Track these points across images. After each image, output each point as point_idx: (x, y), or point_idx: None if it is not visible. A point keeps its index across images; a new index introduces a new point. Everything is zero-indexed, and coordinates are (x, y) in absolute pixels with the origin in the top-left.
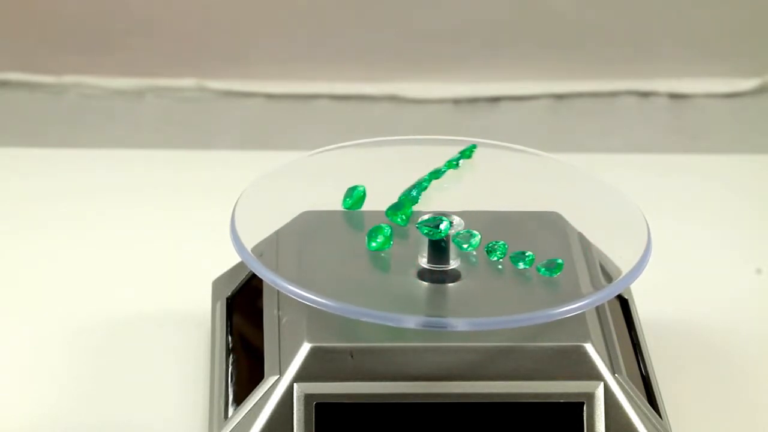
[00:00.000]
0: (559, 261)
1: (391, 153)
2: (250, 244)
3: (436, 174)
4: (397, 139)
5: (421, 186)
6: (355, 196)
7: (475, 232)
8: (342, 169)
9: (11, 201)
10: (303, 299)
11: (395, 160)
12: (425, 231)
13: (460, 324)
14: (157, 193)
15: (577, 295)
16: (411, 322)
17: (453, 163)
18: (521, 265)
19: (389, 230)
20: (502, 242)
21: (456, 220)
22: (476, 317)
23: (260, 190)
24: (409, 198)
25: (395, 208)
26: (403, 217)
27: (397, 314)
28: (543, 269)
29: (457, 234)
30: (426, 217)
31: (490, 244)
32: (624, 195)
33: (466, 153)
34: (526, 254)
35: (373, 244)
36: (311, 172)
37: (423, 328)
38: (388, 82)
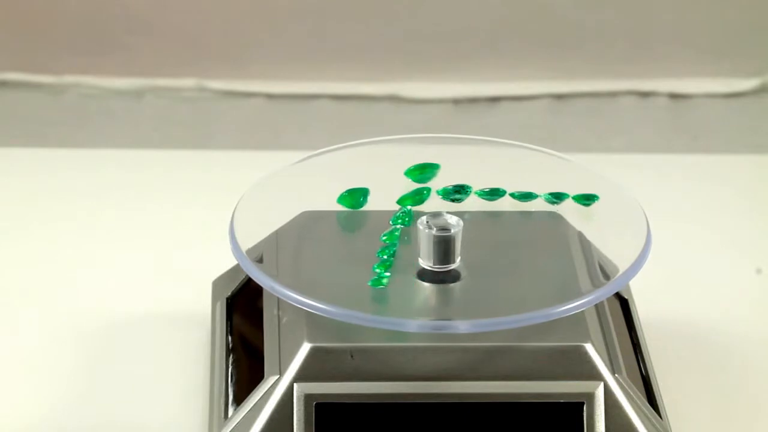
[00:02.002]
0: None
1: (394, 153)
2: (249, 249)
3: (524, 197)
4: (400, 138)
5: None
6: (426, 169)
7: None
8: (343, 170)
9: (11, 201)
10: (305, 306)
11: (398, 160)
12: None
13: (462, 326)
14: (157, 193)
15: (576, 295)
16: (413, 326)
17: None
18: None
19: (366, 191)
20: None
21: (454, 219)
22: (478, 318)
23: (259, 194)
24: (439, 192)
25: (413, 194)
26: (413, 200)
27: (398, 318)
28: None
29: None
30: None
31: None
32: (624, 191)
33: (583, 200)
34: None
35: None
36: (311, 173)
37: (425, 331)
38: (388, 82)
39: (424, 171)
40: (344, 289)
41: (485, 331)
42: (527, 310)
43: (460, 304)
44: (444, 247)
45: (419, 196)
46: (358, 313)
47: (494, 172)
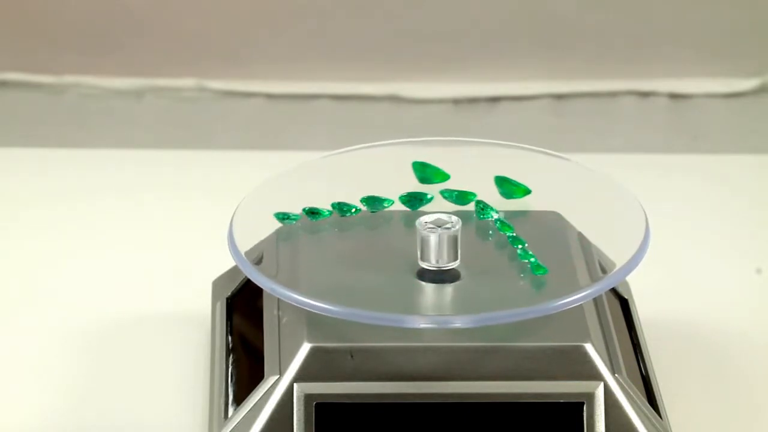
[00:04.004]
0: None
1: (396, 155)
2: (249, 249)
3: (505, 229)
4: (405, 142)
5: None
6: (513, 188)
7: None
8: (344, 171)
9: (11, 201)
10: (304, 306)
11: (398, 163)
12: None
13: (462, 321)
14: (157, 193)
15: (576, 291)
16: (414, 322)
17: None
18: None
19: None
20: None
21: (454, 219)
22: (478, 313)
23: (259, 195)
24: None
25: (457, 194)
26: (452, 197)
27: (399, 315)
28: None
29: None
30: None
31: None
32: (624, 191)
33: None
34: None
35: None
36: (312, 174)
37: (427, 327)
38: (388, 82)
39: (508, 187)
40: (344, 288)
41: (485, 325)
42: (527, 305)
43: (460, 302)
44: (443, 247)
45: (461, 198)
46: (358, 311)
47: (496, 173)
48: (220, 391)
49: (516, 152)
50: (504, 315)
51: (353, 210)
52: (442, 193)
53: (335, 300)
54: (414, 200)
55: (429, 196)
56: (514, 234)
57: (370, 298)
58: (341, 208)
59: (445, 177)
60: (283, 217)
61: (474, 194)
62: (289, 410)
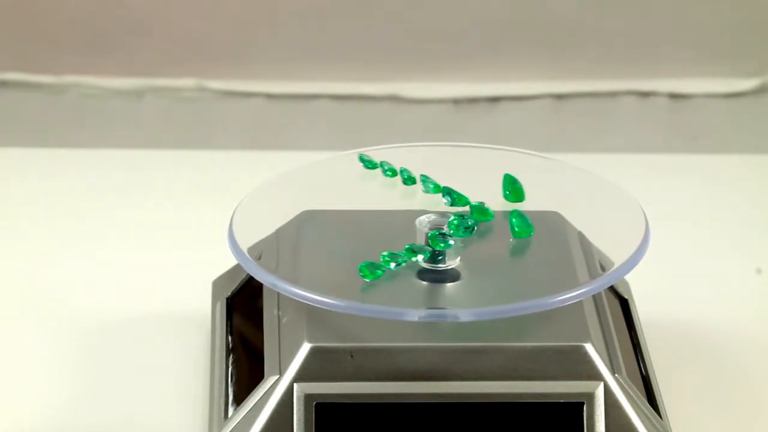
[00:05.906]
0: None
1: (398, 157)
2: (249, 248)
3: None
4: (409, 146)
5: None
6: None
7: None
8: (344, 176)
9: (11, 201)
10: (304, 299)
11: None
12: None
13: (462, 314)
14: (158, 193)
15: (575, 288)
16: (414, 315)
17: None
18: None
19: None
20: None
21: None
22: (479, 307)
23: (259, 195)
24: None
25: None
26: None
27: (399, 308)
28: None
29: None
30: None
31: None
32: (624, 191)
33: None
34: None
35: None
36: (313, 175)
37: (426, 320)
38: (388, 82)
39: (525, 232)
40: (344, 286)
41: (485, 319)
42: (527, 301)
43: (460, 298)
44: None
45: (482, 214)
46: (358, 305)
47: (496, 176)
48: (220, 391)
49: (516, 155)
50: (504, 310)
51: (412, 181)
52: (478, 203)
53: (335, 295)
54: (453, 197)
55: (464, 198)
56: (464, 222)
57: (370, 295)
58: (403, 173)
59: (521, 198)
60: (365, 159)
61: (492, 215)
62: (289, 410)
